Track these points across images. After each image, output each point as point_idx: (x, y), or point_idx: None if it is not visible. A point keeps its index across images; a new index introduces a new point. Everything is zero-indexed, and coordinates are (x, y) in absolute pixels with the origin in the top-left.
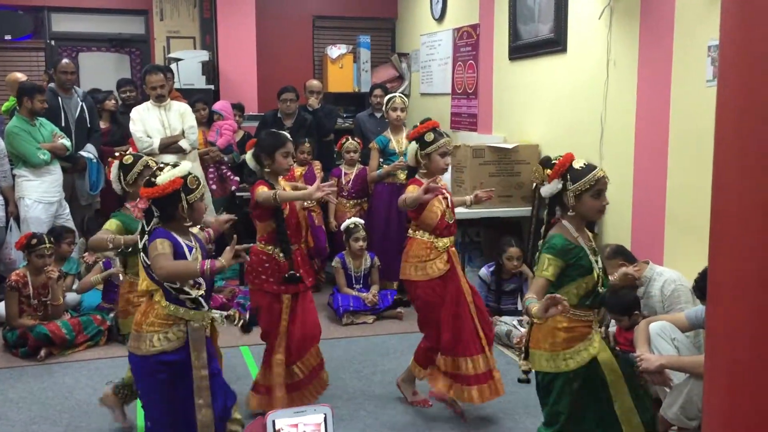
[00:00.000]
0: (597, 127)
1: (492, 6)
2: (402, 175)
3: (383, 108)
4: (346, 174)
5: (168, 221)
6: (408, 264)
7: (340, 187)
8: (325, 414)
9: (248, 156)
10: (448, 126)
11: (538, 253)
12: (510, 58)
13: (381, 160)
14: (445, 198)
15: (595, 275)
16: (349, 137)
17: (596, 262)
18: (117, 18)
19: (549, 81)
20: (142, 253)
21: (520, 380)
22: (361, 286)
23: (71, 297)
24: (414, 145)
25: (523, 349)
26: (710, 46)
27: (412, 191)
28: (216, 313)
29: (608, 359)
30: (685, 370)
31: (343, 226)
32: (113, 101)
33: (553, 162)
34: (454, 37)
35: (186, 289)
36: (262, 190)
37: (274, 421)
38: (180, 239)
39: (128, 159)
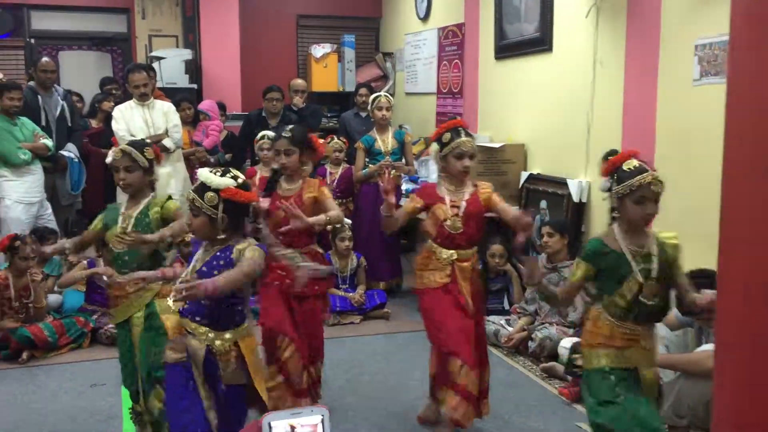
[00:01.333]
0: (584, 127)
1: (477, 5)
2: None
3: (368, 107)
4: (331, 173)
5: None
6: (416, 271)
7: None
8: (322, 416)
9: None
10: (434, 125)
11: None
12: (496, 58)
13: (367, 159)
14: (456, 206)
15: (635, 284)
16: (335, 137)
17: (645, 270)
18: (98, 16)
19: (535, 80)
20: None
21: (566, 371)
22: (347, 286)
23: (53, 298)
24: (435, 146)
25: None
26: (697, 45)
27: (408, 206)
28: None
29: (650, 378)
30: (675, 368)
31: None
32: (112, 103)
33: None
34: (439, 37)
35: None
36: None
37: (270, 423)
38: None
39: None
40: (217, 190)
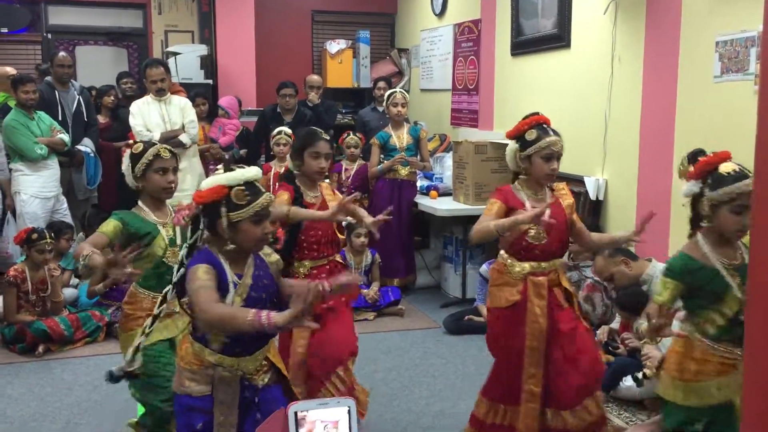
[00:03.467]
0: (601, 124)
1: (494, 1)
2: (403, 171)
3: (384, 103)
4: (346, 169)
5: (213, 239)
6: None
7: (340, 182)
8: (349, 407)
9: (288, 155)
10: (449, 122)
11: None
12: (512, 54)
13: (382, 155)
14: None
15: (735, 302)
16: (351, 132)
17: (740, 285)
18: (115, 11)
19: (552, 77)
20: (177, 271)
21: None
22: (362, 282)
23: (69, 293)
24: (513, 145)
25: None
26: (718, 41)
27: (494, 209)
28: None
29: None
30: None
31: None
32: (112, 97)
33: (701, 158)
34: (455, 33)
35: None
36: (280, 201)
37: (296, 413)
38: (227, 267)
39: (138, 147)
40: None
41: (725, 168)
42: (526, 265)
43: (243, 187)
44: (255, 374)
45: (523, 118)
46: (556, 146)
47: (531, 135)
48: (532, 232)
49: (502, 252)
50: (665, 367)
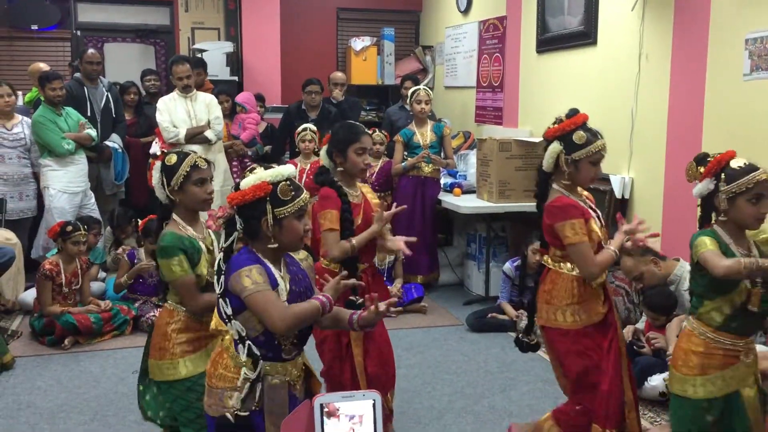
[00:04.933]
0: (627, 122)
1: None
2: (426, 168)
3: (408, 100)
4: (371, 166)
5: (253, 239)
6: (552, 307)
7: (364, 179)
8: (374, 400)
9: (322, 152)
10: (473, 119)
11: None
12: (538, 51)
13: (405, 153)
14: (599, 216)
15: (743, 290)
16: (376, 129)
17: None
18: (142, 9)
19: (578, 74)
20: (218, 280)
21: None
22: (385, 279)
23: (96, 286)
24: (556, 146)
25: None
26: (748, 39)
27: (577, 234)
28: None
29: (752, 397)
30: None
31: None
32: (133, 95)
33: (709, 159)
34: (480, 30)
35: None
36: (331, 219)
37: (321, 404)
38: (270, 265)
39: (171, 159)
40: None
41: (735, 163)
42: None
43: (288, 183)
44: (297, 381)
45: (566, 117)
46: (605, 150)
47: (580, 138)
48: (603, 236)
49: (572, 265)
50: (672, 364)
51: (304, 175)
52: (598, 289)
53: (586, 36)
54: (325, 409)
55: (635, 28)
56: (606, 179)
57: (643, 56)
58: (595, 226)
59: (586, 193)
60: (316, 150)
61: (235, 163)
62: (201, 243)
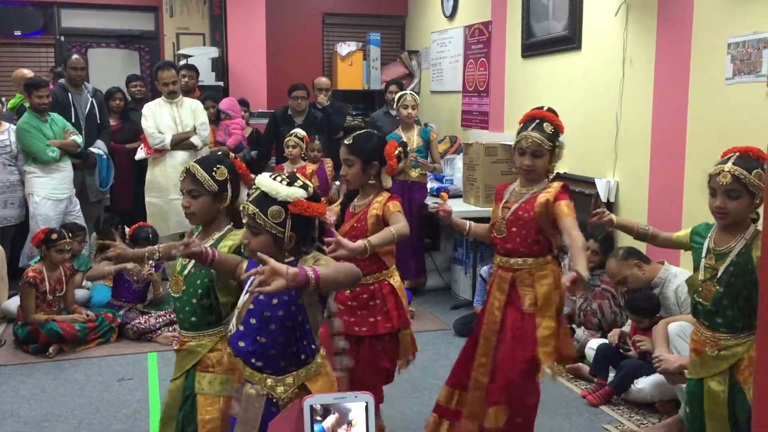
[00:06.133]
0: (612, 126)
1: (505, 3)
2: (413, 173)
3: (395, 105)
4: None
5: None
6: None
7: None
8: (366, 402)
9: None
10: (459, 124)
11: None
12: (523, 56)
13: None
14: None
15: (695, 280)
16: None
17: (707, 267)
18: (127, 14)
19: (563, 79)
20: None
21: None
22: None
23: (81, 293)
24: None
25: None
26: (730, 43)
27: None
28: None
29: (717, 391)
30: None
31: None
32: (118, 100)
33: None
34: (465, 35)
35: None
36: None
37: (311, 405)
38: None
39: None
40: (284, 203)
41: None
42: (497, 258)
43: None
44: (281, 398)
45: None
46: (524, 141)
47: (518, 128)
48: (498, 225)
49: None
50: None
51: None
52: (495, 269)
53: (570, 41)
54: (316, 410)
55: (619, 33)
56: (591, 182)
57: (627, 61)
58: (497, 210)
59: (554, 185)
60: (303, 155)
61: None
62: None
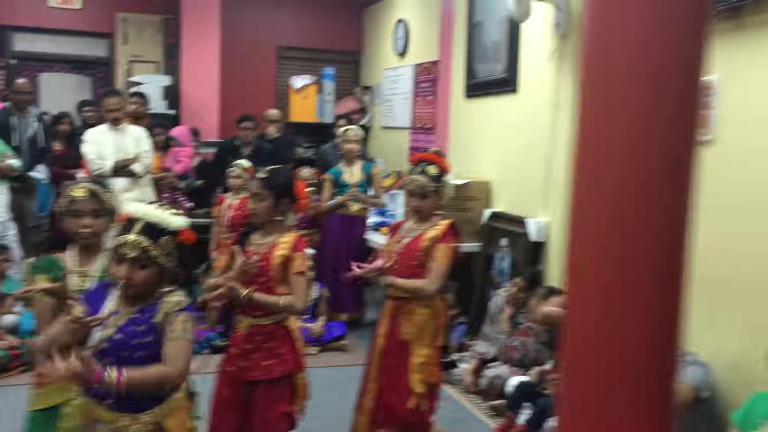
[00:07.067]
0: (544, 167)
1: (450, 43)
2: (353, 207)
3: (340, 140)
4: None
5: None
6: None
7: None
8: None
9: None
10: (406, 160)
11: None
12: (466, 96)
13: (334, 191)
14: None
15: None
16: (307, 167)
17: None
18: (80, 40)
19: (502, 120)
20: None
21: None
22: (308, 316)
23: (9, 319)
24: None
25: None
26: None
27: None
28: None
29: None
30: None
31: None
32: (66, 125)
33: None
34: (415, 73)
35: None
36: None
37: None
38: None
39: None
40: (174, 233)
41: None
42: (387, 289)
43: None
44: None
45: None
46: (411, 184)
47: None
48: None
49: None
50: None
51: (232, 211)
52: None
53: (508, 83)
54: None
55: (552, 76)
56: (522, 222)
57: (560, 104)
58: (393, 244)
59: (444, 223)
60: (245, 186)
61: (166, 195)
62: (72, 275)
